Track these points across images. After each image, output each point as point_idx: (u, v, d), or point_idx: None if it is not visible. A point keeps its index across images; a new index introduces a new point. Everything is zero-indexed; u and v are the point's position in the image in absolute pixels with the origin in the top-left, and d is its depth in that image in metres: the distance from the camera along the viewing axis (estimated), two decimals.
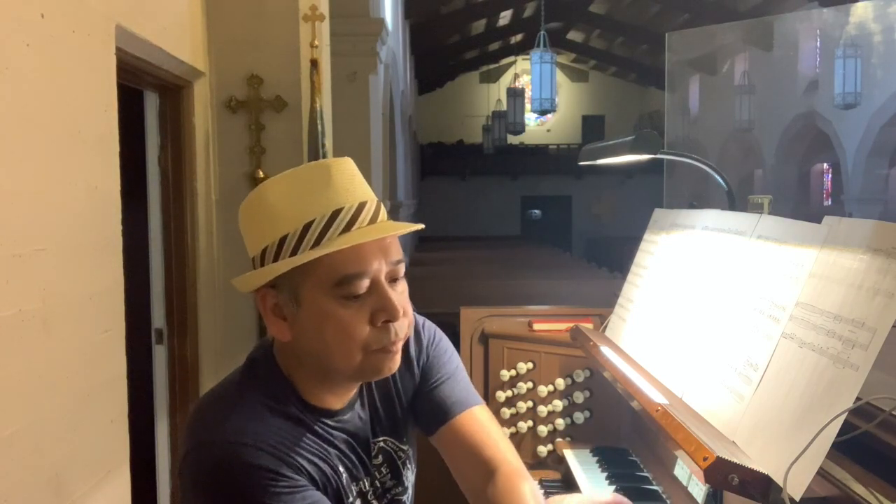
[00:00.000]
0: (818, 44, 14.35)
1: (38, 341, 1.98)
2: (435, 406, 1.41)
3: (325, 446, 1.24)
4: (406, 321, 1.22)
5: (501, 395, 2.47)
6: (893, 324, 1.11)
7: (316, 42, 3.45)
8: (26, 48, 1.95)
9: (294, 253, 1.17)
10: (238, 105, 3.47)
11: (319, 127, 3.39)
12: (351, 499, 1.28)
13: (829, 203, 17.34)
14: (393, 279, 1.21)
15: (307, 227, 1.16)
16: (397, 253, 1.21)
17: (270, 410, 1.20)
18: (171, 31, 3.00)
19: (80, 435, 2.18)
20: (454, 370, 1.45)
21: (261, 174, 3.42)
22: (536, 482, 2.24)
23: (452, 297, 8.02)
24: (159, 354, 3.34)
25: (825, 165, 17.46)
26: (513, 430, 2.47)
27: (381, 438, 1.37)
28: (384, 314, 1.18)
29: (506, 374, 2.48)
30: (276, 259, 1.18)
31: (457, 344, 2.58)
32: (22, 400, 1.91)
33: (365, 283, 1.17)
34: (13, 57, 1.89)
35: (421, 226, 1.29)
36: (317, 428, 1.24)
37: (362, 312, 1.17)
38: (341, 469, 1.26)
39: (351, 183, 1.20)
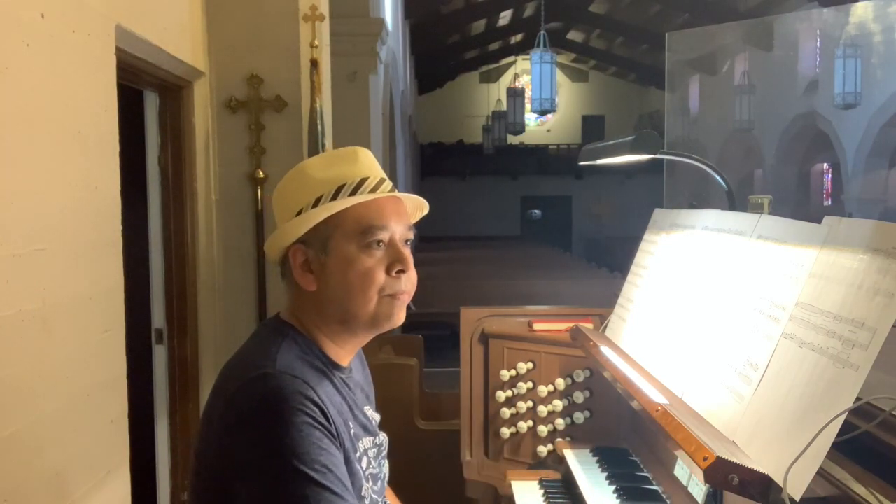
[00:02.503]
0: (818, 44, 14.34)
1: (38, 341, 1.98)
2: None
3: (341, 401, 1.38)
4: (413, 278, 1.44)
5: (501, 395, 2.47)
6: (893, 324, 1.11)
7: (316, 42, 3.45)
8: (26, 48, 1.95)
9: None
10: (238, 105, 3.47)
11: (319, 127, 3.39)
12: (358, 454, 1.39)
13: (829, 203, 17.32)
14: (406, 241, 1.44)
15: (340, 188, 1.42)
16: (410, 223, 1.46)
17: (301, 360, 1.36)
18: (171, 31, 3.00)
19: (80, 435, 2.18)
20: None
21: (261, 174, 3.42)
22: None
23: (452, 297, 8.04)
24: (159, 354, 3.34)
25: (825, 165, 17.45)
26: (513, 430, 2.47)
27: (367, 406, 1.53)
28: (398, 264, 1.40)
29: (506, 374, 2.48)
30: None
31: (457, 344, 2.60)
32: (22, 400, 1.91)
33: (385, 235, 1.40)
34: (13, 57, 1.89)
35: (426, 208, 1.56)
36: (336, 382, 1.40)
37: (381, 262, 1.40)
38: (351, 425, 1.38)
39: (374, 163, 1.48)
